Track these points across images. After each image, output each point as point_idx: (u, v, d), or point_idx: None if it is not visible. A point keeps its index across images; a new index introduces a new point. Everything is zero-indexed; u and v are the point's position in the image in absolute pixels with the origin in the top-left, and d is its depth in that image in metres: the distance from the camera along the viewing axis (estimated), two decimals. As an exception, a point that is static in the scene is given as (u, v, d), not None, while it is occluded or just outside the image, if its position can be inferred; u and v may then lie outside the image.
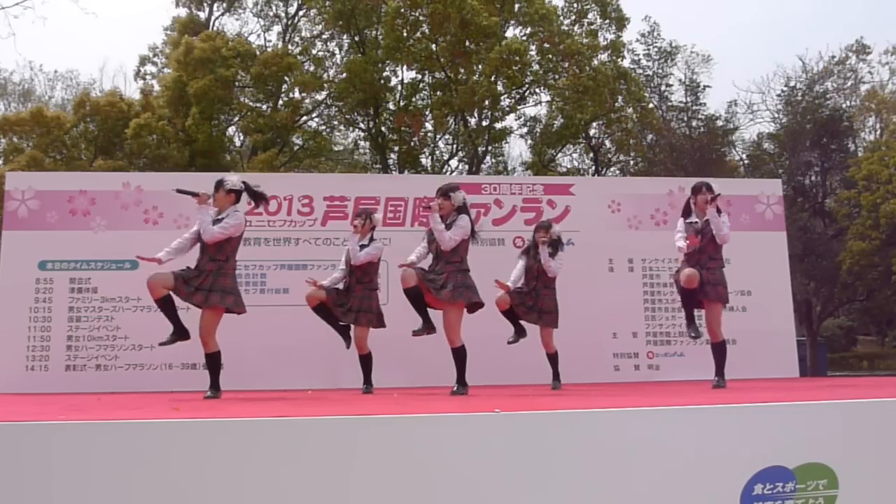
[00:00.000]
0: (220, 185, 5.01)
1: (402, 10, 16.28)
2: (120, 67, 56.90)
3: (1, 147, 18.39)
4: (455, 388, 5.11)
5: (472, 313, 5.24)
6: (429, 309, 5.25)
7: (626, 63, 19.16)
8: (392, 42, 16.75)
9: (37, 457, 2.51)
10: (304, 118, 19.68)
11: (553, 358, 6.14)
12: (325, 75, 19.14)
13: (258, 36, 21.42)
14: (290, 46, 19.93)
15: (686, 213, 5.71)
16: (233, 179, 5.08)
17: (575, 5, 19.23)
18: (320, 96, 19.36)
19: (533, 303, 5.98)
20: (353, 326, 5.82)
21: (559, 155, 20.79)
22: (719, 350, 5.50)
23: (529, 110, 24.62)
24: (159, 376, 7.16)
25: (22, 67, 39.72)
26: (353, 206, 7.64)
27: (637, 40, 20.78)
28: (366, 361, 5.93)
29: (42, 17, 26.49)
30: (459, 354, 5.12)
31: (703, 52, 21.43)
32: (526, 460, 2.72)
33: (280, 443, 2.62)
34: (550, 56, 17.76)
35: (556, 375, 6.13)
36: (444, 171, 19.51)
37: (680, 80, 21.00)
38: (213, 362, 5.00)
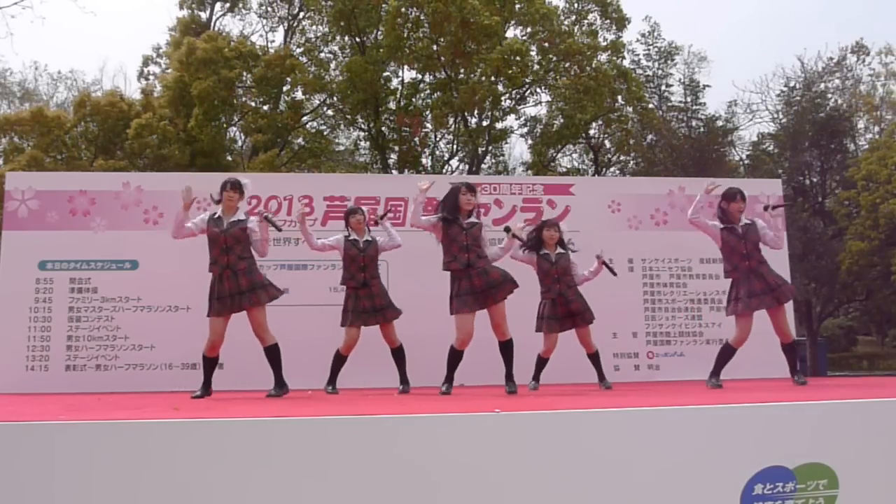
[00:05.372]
0: (244, 189, 5.20)
1: (403, 10, 16.26)
2: (120, 67, 57.10)
3: (1, 147, 18.35)
4: (509, 387, 4.99)
5: None
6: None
7: (626, 63, 19.17)
8: (393, 42, 16.72)
9: (37, 457, 2.51)
10: (306, 118, 19.67)
11: (596, 357, 6.00)
12: (326, 77, 19.12)
13: (261, 36, 21.45)
14: (293, 47, 19.90)
15: (722, 219, 5.60)
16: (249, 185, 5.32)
17: (575, 5, 19.22)
18: (321, 96, 19.34)
19: (566, 310, 5.81)
20: (379, 326, 5.80)
21: (559, 155, 20.78)
22: (795, 350, 5.56)
23: (530, 110, 24.66)
24: (159, 376, 7.17)
25: (27, 68, 39.74)
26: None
27: (637, 40, 20.86)
28: (401, 355, 5.88)
29: (41, 17, 26.49)
30: (512, 346, 5.06)
31: (700, 52, 21.43)
32: (526, 460, 2.72)
33: (280, 443, 2.62)
34: (551, 56, 17.75)
35: (602, 374, 6.01)
36: (444, 171, 19.48)
37: (680, 80, 21.03)
38: (275, 355, 5.12)
